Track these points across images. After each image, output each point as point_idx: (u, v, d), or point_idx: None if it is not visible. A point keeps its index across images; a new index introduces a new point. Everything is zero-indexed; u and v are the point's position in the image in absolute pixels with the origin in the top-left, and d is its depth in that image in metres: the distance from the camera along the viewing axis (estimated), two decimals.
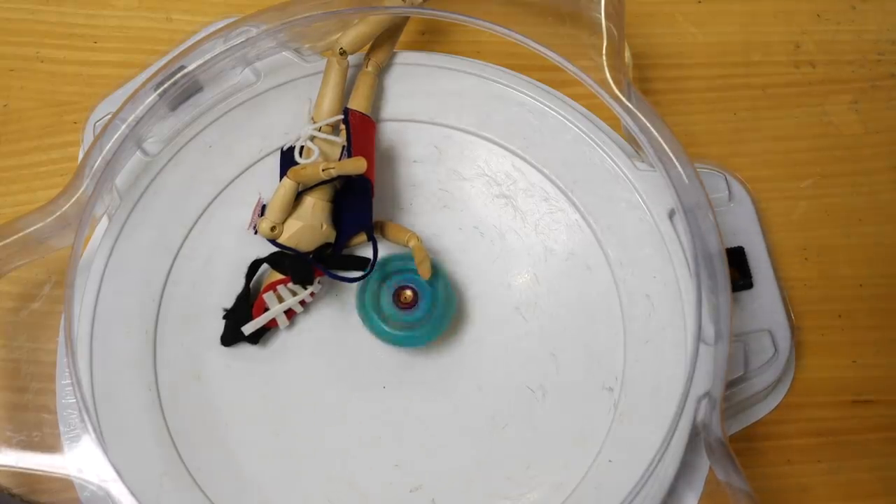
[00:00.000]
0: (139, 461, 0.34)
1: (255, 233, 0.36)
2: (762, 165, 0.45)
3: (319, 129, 0.37)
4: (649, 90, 0.46)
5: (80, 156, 0.39)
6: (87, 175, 0.36)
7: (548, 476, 0.35)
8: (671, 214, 0.37)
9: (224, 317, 0.36)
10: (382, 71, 0.40)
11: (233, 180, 0.38)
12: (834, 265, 0.43)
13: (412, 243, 0.36)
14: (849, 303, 0.43)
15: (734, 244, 0.41)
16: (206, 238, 0.38)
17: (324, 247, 0.37)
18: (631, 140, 0.39)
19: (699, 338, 0.35)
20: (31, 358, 0.40)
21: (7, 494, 0.38)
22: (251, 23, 0.38)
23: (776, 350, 0.39)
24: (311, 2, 0.38)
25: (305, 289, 0.36)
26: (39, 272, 0.40)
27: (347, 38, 0.37)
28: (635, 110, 0.37)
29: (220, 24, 0.39)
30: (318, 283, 0.37)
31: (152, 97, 0.37)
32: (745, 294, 0.40)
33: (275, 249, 0.36)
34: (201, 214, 0.38)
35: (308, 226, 0.36)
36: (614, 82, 0.38)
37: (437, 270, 0.36)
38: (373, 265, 0.36)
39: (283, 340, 0.37)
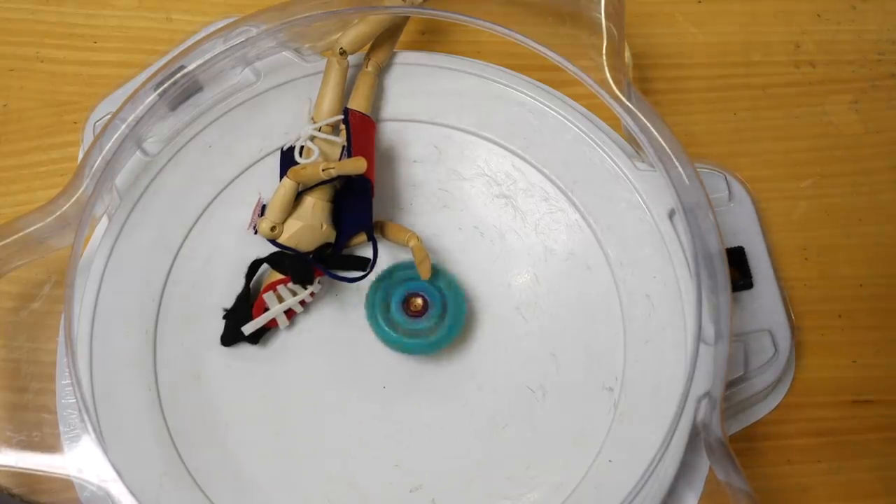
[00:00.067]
0: (139, 461, 0.34)
1: (255, 233, 0.36)
2: (762, 165, 0.45)
3: (319, 129, 0.37)
4: (649, 90, 0.46)
5: (80, 156, 0.39)
6: (86, 175, 0.36)
7: (548, 476, 0.35)
8: (671, 214, 0.37)
9: (224, 317, 0.36)
10: (382, 71, 0.40)
11: (233, 180, 0.38)
12: (834, 265, 0.43)
13: (412, 243, 0.36)
14: (849, 303, 0.43)
15: (734, 244, 0.41)
16: (206, 238, 0.38)
17: (324, 247, 0.37)
18: (631, 140, 0.39)
19: (699, 338, 0.35)
20: (31, 358, 0.40)
21: (7, 494, 0.38)
22: (251, 23, 0.38)
23: (776, 350, 0.39)
24: (311, 2, 0.38)
25: (305, 289, 0.36)
26: (39, 272, 0.40)
27: (347, 38, 0.37)
28: (635, 110, 0.37)
29: (220, 24, 0.39)
30: (318, 283, 0.37)
31: (152, 97, 0.37)
32: (745, 294, 0.40)
33: (275, 249, 0.36)
34: (201, 214, 0.38)
35: (308, 226, 0.36)
36: (614, 82, 0.38)
37: (446, 276, 0.36)
38: (373, 265, 0.36)
39: (283, 340, 0.37)
